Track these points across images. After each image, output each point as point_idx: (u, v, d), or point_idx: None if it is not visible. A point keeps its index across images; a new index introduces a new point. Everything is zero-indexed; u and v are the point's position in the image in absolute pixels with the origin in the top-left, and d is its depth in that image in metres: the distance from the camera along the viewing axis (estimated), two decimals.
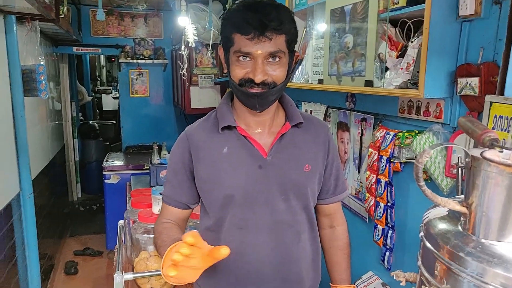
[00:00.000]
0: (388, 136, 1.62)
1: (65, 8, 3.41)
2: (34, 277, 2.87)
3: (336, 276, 1.30)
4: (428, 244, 0.65)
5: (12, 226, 2.54)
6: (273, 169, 1.13)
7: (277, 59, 1.04)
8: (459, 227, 0.64)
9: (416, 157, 1.52)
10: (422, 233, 0.69)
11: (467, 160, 0.61)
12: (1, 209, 2.31)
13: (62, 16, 3.08)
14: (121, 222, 2.03)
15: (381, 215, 1.70)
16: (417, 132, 1.51)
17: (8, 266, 2.43)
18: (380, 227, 1.72)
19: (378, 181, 1.70)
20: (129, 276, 1.48)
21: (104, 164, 4.15)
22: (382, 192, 1.68)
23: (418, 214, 1.58)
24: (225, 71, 1.14)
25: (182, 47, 3.06)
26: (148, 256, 1.61)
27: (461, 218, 0.63)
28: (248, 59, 1.04)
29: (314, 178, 1.18)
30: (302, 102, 2.38)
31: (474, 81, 1.21)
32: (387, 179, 1.64)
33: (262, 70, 1.03)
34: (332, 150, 1.24)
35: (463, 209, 0.60)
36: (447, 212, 0.70)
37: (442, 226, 0.66)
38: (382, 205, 1.69)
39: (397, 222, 1.65)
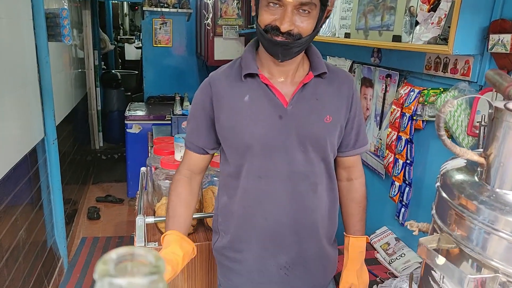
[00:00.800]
0: (412, 93, 1.60)
1: None
2: (58, 220, 3.01)
3: (351, 227, 1.33)
4: (443, 194, 0.67)
5: (38, 170, 2.64)
6: (293, 119, 1.13)
7: (307, 11, 1.02)
8: (475, 178, 0.65)
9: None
10: (438, 183, 0.70)
11: (490, 111, 0.61)
12: (27, 153, 2.39)
13: None
14: (143, 168, 2.10)
15: (399, 172, 1.71)
16: (442, 89, 1.48)
17: (35, 209, 2.55)
18: (397, 183, 1.74)
19: (398, 138, 1.70)
20: (150, 219, 1.54)
21: (126, 113, 4.22)
22: (402, 149, 1.68)
23: (436, 171, 1.58)
24: (253, 14, 1.12)
25: None
26: None
27: (478, 169, 0.64)
28: (277, 6, 1.02)
29: (334, 130, 1.18)
30: (327, 57, 2.34)
31: (507, 37, 1.17)
32: (408, 137, 1.64)
33: (289, 19, 1.01)
34: (355, 103, 1.22)
35: (481, 159, 0.61)
36: (465, 163, 0.70)
37: (459, 176, 0.66)
38: (401, 162, 1.70)
39: (414, 179, 1.67)
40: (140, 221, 1.51)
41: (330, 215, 1.27)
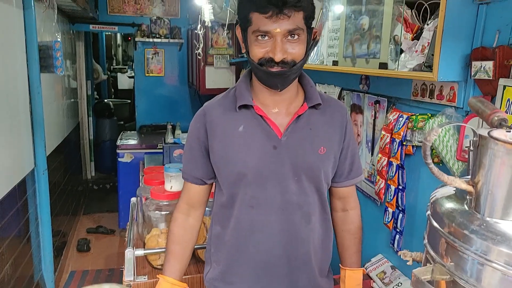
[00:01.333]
0: (401, 119, 1.62)
1: None
2: (46, 253, 2.93)
3: (347, 258, 1.32)
4: (434, 223, 0.66)
5: (26, 201, 2.59)
6: (287, 149, 1.13)
7: (296, 36, 1.04)
8: (465, 206, 0.64)
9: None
10: (429, 212, 0.70)
11: (474, 139, 0.61)
12: (16, 184, 2.36)
13: None
14: (133, 199, 2.08)
15: (391, 198, 1.71)
16: (430, 115, 1.50)
17: (22, 242, 2.49)
18: (390, 210, 1.73)
19: (389, 164, 1.70)
20: (140, 252, 1.51)
21: (118, 142, 4.21)
22: (393, 175, 1.68)
23: (428, 197, 1.59)
24: (244, 51, 1.14)
25: (198, 27, 3.06)
26: (160, 233, 1.64)
27: (467, 197, 0.64)
28: (266, 38, 1.04)
29: (328, 161, 1.18)
30: (316, 84, 2.37)
31: (489, 64, 1.20)
32: (398, 162, 1.64)
33: (281, 49, 1.03)
34: (349, 133, 1.23)
35: (469, 188, 0.61)
36: (454, 191, 0.70)
37: (449, 205, 0.66)
38: (393, 188, 1.70)
39: (407, 206, 1.66)
40: (130, 254, 1.48)
41: (324, 246, 1.25)
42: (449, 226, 0.62)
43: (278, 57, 1.03)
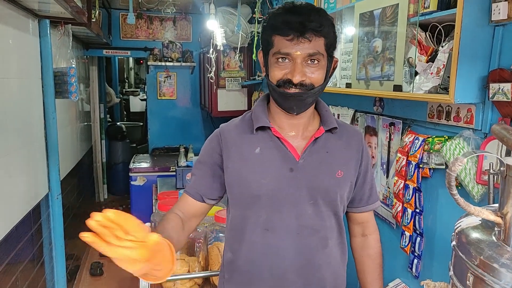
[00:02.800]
0: (417, 141, 1.59)
1: (97, 12, 3.50)
2: (60, 277, 2.92)
3: (367, 285, 1.29)
4: (460, 254, 0.64)
5: (41, 226, 2.60)
6: (304, 172, 1.13)
7: (316, 61, 1.05)
8: (493, 237, 0.62)
9: (447, 163, 1.49)
10: (454, 242, 0.68)
11: (501, 169, 0.59)
12: (31, 209, 2.37)
13: (93, 20, 3.17)
14: (147, 224, 2.07)
15: (408, 221, 1.67)
16: (446, 137, 1.48)
17: (36, 267, 2.49)
18: (407, 233, 1.69)
19: (406, 187, 1.67)
20: None
21: (131, 165, 4.23)
22: (410, 198, 1.65)
23: (447, 221, 1.55)
24: (264, 74, 1.15)
25: (210, 50, 3.10)
26: None
27: (495, 228, 0.62)
28: (287, 60, 1.05)
29: (345, 185, 1.17)
30: (330, 106, 2.36)
31: (507, 86, 1.18)
32: (415, 185, 1.61)
33: (300, 71, 1.04)
34: (365, 158, 1.23)
35: (498, 219, 0.59)
36: (480, 221, 0.68)
37: (475, 235, 0.64)
38: (409, 211, 1.66)
39: (426, 229, 1.62)
40: (144, 281, 1.46)
41: (339, 271, 1.23)
42: (477, 259, 0.60)
43: (296, 79, 1.04)
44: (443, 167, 1.52)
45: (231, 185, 1.17)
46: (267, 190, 1.12)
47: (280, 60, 1.06)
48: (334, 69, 1.15)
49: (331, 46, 1.08)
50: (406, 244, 1.71)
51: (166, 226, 1.09)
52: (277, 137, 1.14)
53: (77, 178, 4.01)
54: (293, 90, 1.05)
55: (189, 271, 1.57)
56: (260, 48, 1.15)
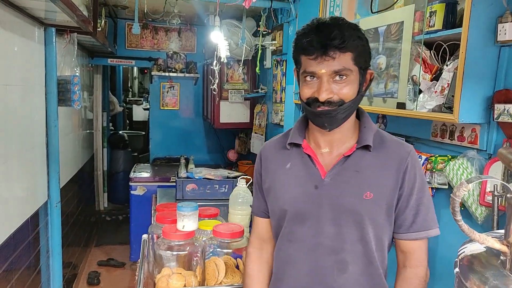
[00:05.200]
0: (419, 159, 1.58)
1: (103, 21, 3.52)
2: (56, 286, 2.89)
3: None
4: (464, 282, 0.62)
5: (38, 234, 2.57)
6: (328, 191, 1.11)
7: (344, 77, 1.05)
8: (498, 266, 0.60)
9: (449, 183, 1.47)
10: (457, 269, 0.66)
11: (508, 195, 0.58)
12: (29, 217, 2.35)
13: (99, 29, 3.18)
14: (144, 236, 2.04)
15: None
16: (450, 157, 1.46)
17: (32, 275, 2.46)
18: None
19: None
20: None
21: (131, 175, 4.21)
22: None
23: (450, 242, 1.52)
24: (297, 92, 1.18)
25: (214, 62, 3.11)
26: (170, 273, 1.60)
27: (501, 257, 0.60)
28: (314, 78, 1.06)
29: (377, 208, 1.10)
30: None
31: None
32: None
33: (327, 89, 1.04)
34: (410, 179, 1.11)
35: (504, 248, 0.57)
36: (485, 248, 0.66)
37: (480, 264, 0.62)
38: None
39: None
40: None
41: None
42: None
43: (322, 97, 1.04)
44: (446, 187, 1.50)
45: (267, 199, 1.25)
46: (292, 205, 1.15)
47: (308, 78, 1.07)
48: (370, 81, 1.13)
49: (360, 58, 1.06)
50: None
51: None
52: (308, 154, 1.16)
53: (78, 185, 3.99)
54: (321, 108, 1.06)
55: (185, 286, 1.55)
56: (295, 67, 1.16)
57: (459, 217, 0.58)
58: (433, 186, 1.54)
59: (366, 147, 1.11)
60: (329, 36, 1.01)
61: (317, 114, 1.07)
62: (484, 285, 0.57)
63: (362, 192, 1.09)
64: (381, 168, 1.11)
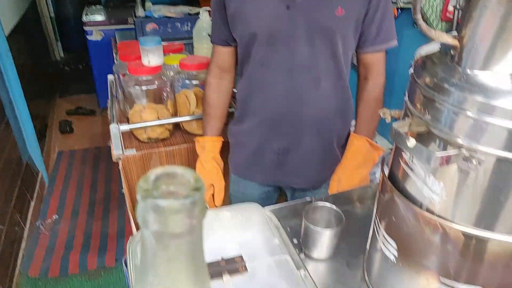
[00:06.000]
0: None
1: None
2: (29, 135, 2.96)
3: (356, 125, 1.31)
4: (416, 79, 0.68)
5: None
6: (301, 10, 1.09)
7: None
8: (448, 61, 0.65)
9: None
10: (411, 70, 0.71)
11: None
12: None
13: None
14: (110, 76, 2.02)
15: None
16: None
17: (1, 127, 2.48)
18: None
19: None
20: (125, 127, 1.53)
21: (84, 18, 3.92)
22: None
23: (409, 61, 1.60)
24: None
25: None
26: (142, 108, 1.64)
27: (452, 52, 0.64)
28: None
29: (347, 24, 1.12)
30: None
31: None
32: None
33: None
34: None
35: (455, 42, 0.61)
36: (439, 49, 0.70)
37: (432, 61, 0.67)
38: None
39: (387, 70, 1.67)
40: (115, 129, 1.50)
41: (341, 115, 1.26)
42: (431, 82, 0.64)
43: None
44: (411, 6, 1.50)
45: (232, 25, 1.19)
46: (262, 28, 1.13)
47: None
48: None
49: None
50: None
51: (213, 119, 1.37)
52: None
53: (25, 35, 3.74)
54: None
55: (158, 118, 1.61)
56: None
57: (419, 15, 0.60)
58: (399, 6, 1.54)
59: None
60: None
61: None
62: (433, 78, 0.63)
63: (334, 8, 1.09)
64: None
